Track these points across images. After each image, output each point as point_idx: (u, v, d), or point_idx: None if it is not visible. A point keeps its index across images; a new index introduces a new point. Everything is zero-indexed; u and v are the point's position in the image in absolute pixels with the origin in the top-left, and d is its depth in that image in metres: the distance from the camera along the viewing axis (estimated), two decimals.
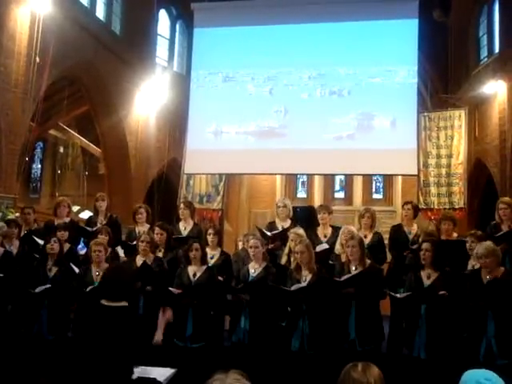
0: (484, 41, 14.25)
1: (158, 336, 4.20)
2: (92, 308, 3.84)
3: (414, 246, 6.48)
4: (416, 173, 10.57)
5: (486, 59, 13.97)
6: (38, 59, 10.00)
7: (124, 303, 3.73)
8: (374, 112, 10.33)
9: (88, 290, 5.90)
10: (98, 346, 3.56)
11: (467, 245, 6.04)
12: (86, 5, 12.77)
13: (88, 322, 3.83)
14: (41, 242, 6.73)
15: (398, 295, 5.83)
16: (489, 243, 5.41)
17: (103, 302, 3.76)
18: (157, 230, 6.86)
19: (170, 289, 5.88)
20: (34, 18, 9.92)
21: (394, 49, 10.33)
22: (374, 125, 10.32)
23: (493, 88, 12.69)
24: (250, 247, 6.11)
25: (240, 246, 7.54)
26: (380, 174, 16.25)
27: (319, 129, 10.46)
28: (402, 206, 7.59)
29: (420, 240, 6.40)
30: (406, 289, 5.82)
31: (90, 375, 3.50)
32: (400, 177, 16.32)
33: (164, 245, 6.82)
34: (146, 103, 14.35)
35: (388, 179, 18.21)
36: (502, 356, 5.03)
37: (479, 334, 5.16)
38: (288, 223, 7.14)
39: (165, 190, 14.29)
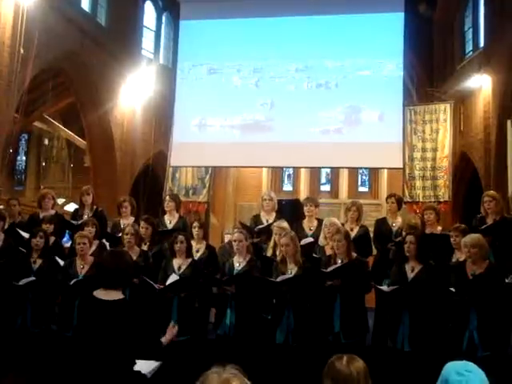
0: (469, 35, 14.33)
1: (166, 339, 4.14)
2: (86, 302, 3.72)
3: (398, 239, 6.52)
4: (401, 166, 10.62)
5: (471, 53, 14.06)
6: (22, 50, 9.90)
7: (120, 295, 3.66)
8: (362, 105, 10.35)
9: (72, 282, 5.87)
10: (98, 342, 3.52)
11: (451, 239, 6.09)
12: None
13: (84, 317, 3.72)
14: (25, 234, 6.69)
15: (384, 288, 5.86)
16: (478, 235, 5.47)
17: (98, 294, 3.64)
18: (142, 223, 6.83)
19: (154, 284, 5.88)
20: (17, 9, 9.82)
21: (381, 42, 10.35)
22: (362, 118, 10.34)
23: (478, 82, 12.79)
24: (234, 241, 6.12)
25: (226, 239, 7.53)
26: (366, 168, 16.31)
27: (306, 122, 10.47)
28: (386, 199, 7.61)
29: (403, 233, 6.44)
30: (391, 281, 5.85)
31: (90, 370, 3.48)
32: (386, 170, 16.40)
33: (149, 238, 6.80)
34: (131, 95, 14.27)
35: (374, 172, 18.31)
36: (484, 348, 5.09)
37: (462, 327, 5.21)
38: (273, 216, 7.13)
39: (151, 182, 14.27)
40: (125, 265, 3.74)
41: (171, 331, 4.07)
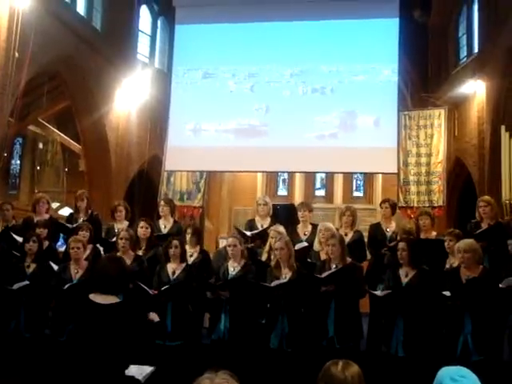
0: (463, 41, 14.39)
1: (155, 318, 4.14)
2: (82, 306, 3.72)
3: (392, 244, 6.53)
4: (396, 171, 10.63)
5: (465, 59, 14.11)
6: (16, 54, 9.86)
7: (116, 299, 3.66)
8: (357, 110, 10.35)
9: (66, 287, 5.84)
10: (92, 346, 3.50)
11: (445, 243, 6.11)
12: None
13: (80, 321, 3.71)
14: (19, 238, 6.67)
15: (377, 293, 5.87)
16: (471, 240, 5.50)
17: (95, 298, 3.63)
18: (142, 223, 6.81)
19: (148, 290, 5.87)
20: (12, 12, 9.78)
21: (376, 48, 10.37)
22: (357, 123, 10.34)
23: (472, 87, 12.82)
24: (229, 246, 6.12)
25: (221, 244, 7.53)
26: (361, 172, 16.34)
27: (301, 127, 10.47)
28: (380, 204, 7.63)
29: (398, 238, 6.46)
30: (385, 287, 5.86)
31: (83, 374, 3.47)
32: (380, 175, 16.43)
33: (146, 240, 6.78)
34: (126, 100, 14.24)
35: (368, 177, 18.34)
36: (478, 353, 5.09)
37: (456, 331, 5.22)
38: (268, 221, 7.15)
39: (145, 186, 14.24)
40: (122, 271, 3.74)
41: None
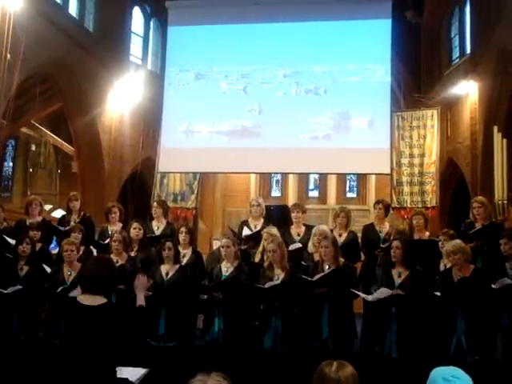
0: (456, 42, 14.44)
1: (141, 300, 4.09)
2: (70, 308, 3.71)
3: (385, 245, 6.54)
4: (389, 172, 10.64)
5: (457, 60, 14.16)
6: (8, 56, 9.83)
7: (104, 300, 3.65)
8: (351, 111, 10.33)
9: (59, 290, 5.82)
10: (81, 348, 3.49)
11: (439, 244, 6.12)
12: (58, 1, 12.61)
13: (68, 323, 3.70)
14: (12, 241, 6.63)
15: (368, 298, 5.85)
16: (457, 241, 5.52)
17: (82, 300, 3.62)
18: (135, 225, 6.80)
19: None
20: (4, 14, 9.75)
21: (369, 48, 10.36)
22: (351, 124, 10.33)
23: (464, 88, 12.86)
24: (222, 247, 6.13)
25: (215, 245, 7.53)
26: (354, 173, 16.35)
27: (294, 128, 10.44)
28: (374, 205, 7.65)
29: (391, 238, 6.46)
30: (378, 287, 5.85)
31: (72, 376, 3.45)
32: (374, 176, 16.44)
33: (139, 242, 6.77)
34: (119, 101, 14.22)
35: (362, 178, 18.35)
36: (472, 353, 5.09)
37: (449, 332, 5.22)
38: (261, 222, 7.15)
39: (139, 188, 14.22)
40: (108, 272, 3.72)
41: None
